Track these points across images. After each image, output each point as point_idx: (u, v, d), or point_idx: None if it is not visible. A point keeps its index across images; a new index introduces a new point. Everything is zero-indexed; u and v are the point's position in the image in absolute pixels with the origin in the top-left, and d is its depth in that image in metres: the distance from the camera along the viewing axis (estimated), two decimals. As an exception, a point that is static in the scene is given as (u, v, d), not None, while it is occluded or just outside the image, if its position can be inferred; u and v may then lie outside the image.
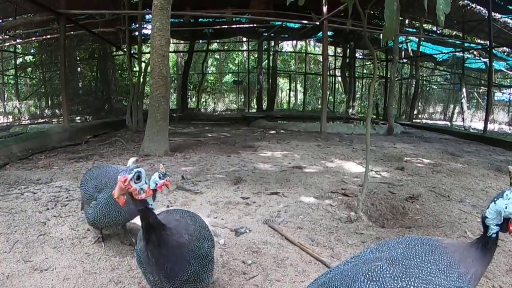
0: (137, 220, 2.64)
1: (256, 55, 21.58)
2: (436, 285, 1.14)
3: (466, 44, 14.62)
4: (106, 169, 2.59)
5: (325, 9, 9.64)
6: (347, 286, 1.23)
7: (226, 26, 15.30)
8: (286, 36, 19.27)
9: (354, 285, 1.21)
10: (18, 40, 12.94)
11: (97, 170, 2.62)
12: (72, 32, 11.46)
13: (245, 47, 22.64)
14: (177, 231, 1.49)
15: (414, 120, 15.18)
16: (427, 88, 19.35)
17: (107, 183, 2.41)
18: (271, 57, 20.05)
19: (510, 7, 11.32)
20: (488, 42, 11.10)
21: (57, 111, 12.93)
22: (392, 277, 1.17)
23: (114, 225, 2.58)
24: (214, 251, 1.70)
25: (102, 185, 2.42)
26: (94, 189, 2.42)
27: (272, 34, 17.17)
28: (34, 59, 14.92)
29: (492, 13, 10.46)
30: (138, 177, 1.33)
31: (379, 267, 1.21)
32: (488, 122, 10.26)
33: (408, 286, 1.14)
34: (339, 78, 22.21)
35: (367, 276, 1.20)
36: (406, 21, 14.65)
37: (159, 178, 2.31)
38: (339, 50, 21.46)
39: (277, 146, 7.29)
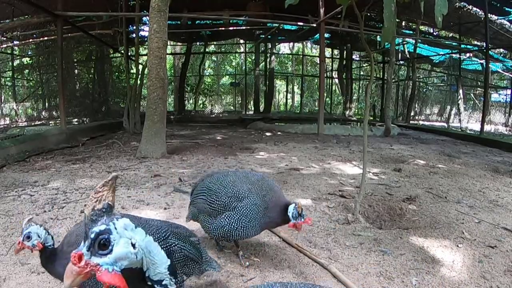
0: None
1: (253, 57, 21.65)
2: None
3: (462, 46, 14.69)
4: (239, 175, 2.31)
5: (322, 11, 9.66)
6: None
7: (223, 28, 15.31)
8: (283, 38, 19.32)
9: None
10: (15, 42, 12.90)
11: (223, 177, 2.30)
12: (69, 34, 11.42)
13: (242, 49, 22.69)
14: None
15: (411, 122, 15.21)
16: (424, 90, 19.42)
17: (251, 190, 2.19)
18: (268, 59, 20.09)
19: (506, 9, 11.39)
20: (484, 44, 11.18)
21: (54, 113, 12.90)
22: None
23: (245, 238, 2.28)
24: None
25: (245, 193, 2.17)
26: (232, 198, 2.16)
27: (269, 36, 17.22)
28: (31, 61, 14.87)
29: (489, 14, 10.52)
30: (28, 237, 1.54)
31: None
32: (485, 123, 10.31)
33: None
34: (336, 80, 22.28)
35: None
36: (403, 23, 14.72)
37: (292, 217, 2.09)
38: (336, 52, 21.54)
39: (274, 148, 7.29)
